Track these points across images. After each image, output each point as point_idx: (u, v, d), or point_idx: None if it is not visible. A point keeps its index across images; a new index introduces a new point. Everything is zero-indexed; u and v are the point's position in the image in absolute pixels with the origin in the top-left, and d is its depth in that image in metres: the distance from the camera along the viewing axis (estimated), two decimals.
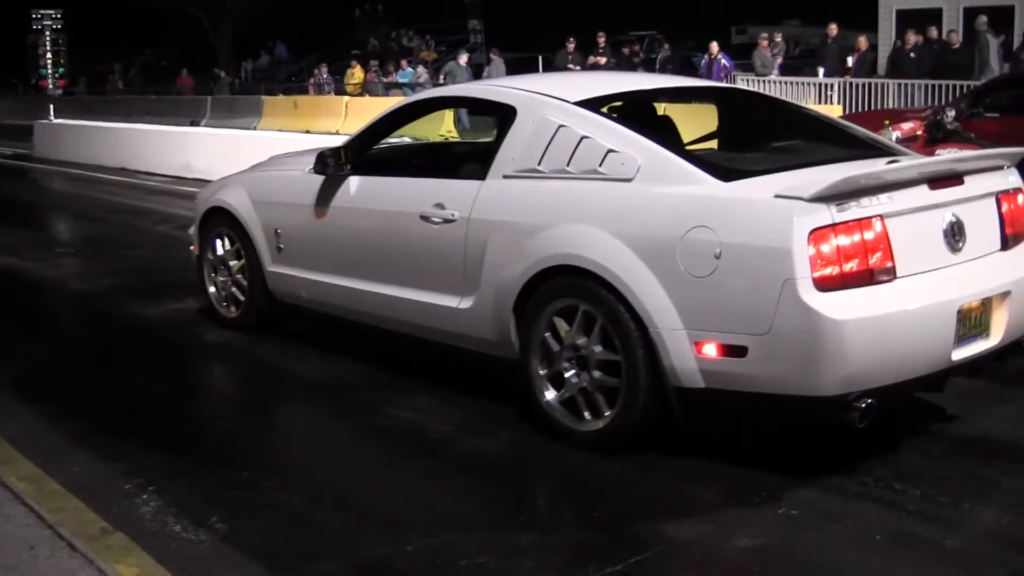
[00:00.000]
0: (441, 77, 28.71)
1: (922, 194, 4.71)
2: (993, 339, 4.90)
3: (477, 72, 29.61)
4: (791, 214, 4.36)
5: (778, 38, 24.32)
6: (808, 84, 21.60)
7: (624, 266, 4.77)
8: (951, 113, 9.33)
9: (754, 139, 5.86)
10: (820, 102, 19.96)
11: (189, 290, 8.01)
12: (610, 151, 5.04)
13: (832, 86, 20.75)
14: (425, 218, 5.69)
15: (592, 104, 5.39)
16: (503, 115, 5.66)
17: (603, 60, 26.10)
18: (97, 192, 17.03)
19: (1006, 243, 5.11)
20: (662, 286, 4.67)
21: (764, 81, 22.96)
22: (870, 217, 4.48)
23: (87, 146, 21.52)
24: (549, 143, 5.28)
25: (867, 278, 4.46)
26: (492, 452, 5.14)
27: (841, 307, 4.34)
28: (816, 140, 5.78)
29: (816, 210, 4.36)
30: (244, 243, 7.03)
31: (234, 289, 7.25)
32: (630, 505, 4.49)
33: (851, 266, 4.42)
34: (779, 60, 23.85)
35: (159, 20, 47.62)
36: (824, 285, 4.35)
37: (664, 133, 5.62)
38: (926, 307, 4.58)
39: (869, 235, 4.47)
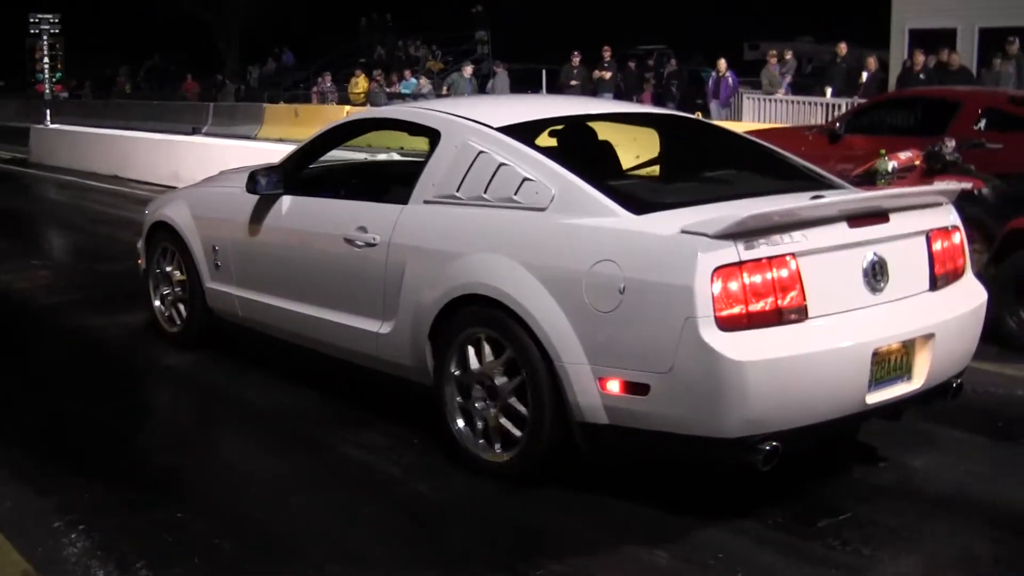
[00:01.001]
0: (444, 88, 28.77)
1: (841, 232, 4.65)
2: (916, 382, 4.85)
3: (483, 84, 29.69)
4: (695, 250, 4.32)
5: (787, 56, 24.26)
6: (816, 104, 21.51)
7: (532, 298, 4.75)
8: (951, 144, 9.23)
9: (686, 168, 5.86)
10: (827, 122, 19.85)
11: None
12: (526, 179, 5.03)
13: (840, 106, 20.63)
14: (349, 241, 5.70)
15: (515, 131, 5.37)
16: (429, 138, 5.65)
17: (608, 74, 26.16)
18: (85, 201, 17.08)
19: (935, 283, 5.04)
20: (568, 319, 4.65)
21: (771, 100, 22.92)
22: (781, 255, 4.43)
23: (81, 152, 21.64)
24: (468, 169, 5.28)
25: (775, 318, 4.41)
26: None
27: (744, 348, 4.29)
28: (752, 171, 5.74)
29: (721, 247, 4.32)
30: (185, 259, 7.07)
31: (178, 304, 7.30)
32: (533, 543, 4.50)
33: (758, 306, 4.37)
34: (788, 79, 23.73)
35: (168, 23, 47.93)
36: (728, 324, 4.31)
37: (589, 161, 5.59)
38: (838, 349, 4.52)
39: (779, 274, 4.42)
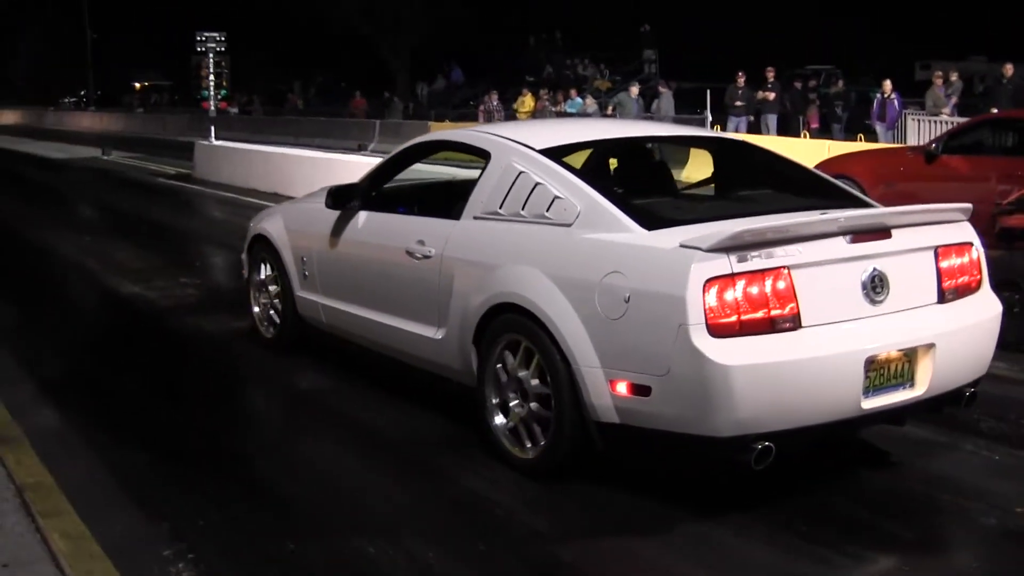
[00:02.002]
0: (609, 108, 29.38)
1: (839, 246, 5.12)
2: (918, 390, 5.28)
3: (649, 104, 30.18)
4: (689, 262, 4.85)
5: (953, 77, 24.09)
6: None
7: (555, 306, 5.37)
8: None
9: (721, 186, 6.36)
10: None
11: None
12: (556, 197, 5.66)
13: None
14: (410, 253, 6.43)
15: (554, 152, 6.02)
16: (483, 159, 6.34)
17: (771, 95, 26.28)
18: (242, 218, 17.76)
19: (943, 296, 5.46)
20: (584, 326, 5.25)
21: (935, 121, 22.80)
22: (775, 268, 4.92)
23: (242, 169, 22.43)
24: (510, 187, 5.95)
25: (767, 326, 4.91)
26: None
27: (733, 353, 4.80)
28: (782, 190, 6.24)
29: (715, 259, 4.84)
30: (279, 269, 7.94)
31: (272, 312, 8.18)
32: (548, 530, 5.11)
33: (751, 314, 4.87)
34: (953, 100, 23.62)
35: (340, 40, 49.89)
36: (720, 331, 4.83)
37: (634, 180, 6.20)
38: (829, 356, 4.98)
39: (772, 285, 4.91)
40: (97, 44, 70.50)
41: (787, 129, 26.16)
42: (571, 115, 28.88)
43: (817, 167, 13.93)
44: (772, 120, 26.46)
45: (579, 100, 30.90)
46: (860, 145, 20.06)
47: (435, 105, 38.94)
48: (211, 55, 34.00)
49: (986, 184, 11.98)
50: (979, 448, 6.11)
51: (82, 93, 79.11)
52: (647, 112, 28.75)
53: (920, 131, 23.58)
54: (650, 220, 5.34)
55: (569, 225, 5.54)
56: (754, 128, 26.43)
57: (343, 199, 7.13)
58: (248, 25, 51.03)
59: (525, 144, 6.14)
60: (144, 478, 5.66)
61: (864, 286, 5.17)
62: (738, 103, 26.26)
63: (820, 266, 5.06)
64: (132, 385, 7.53)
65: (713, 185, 6.93)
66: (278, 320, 8.12)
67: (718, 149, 7.18)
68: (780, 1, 46.78)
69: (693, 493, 5.47)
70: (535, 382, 5.55)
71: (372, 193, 7.19)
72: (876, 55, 34.73)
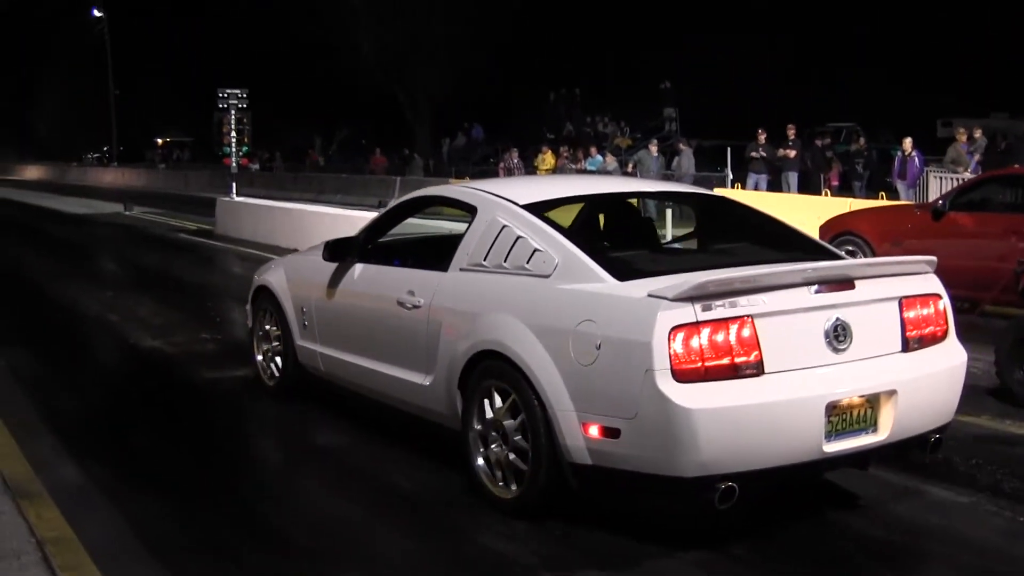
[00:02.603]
0: (630, 166, 29.82)
1: (802, 296, 5.47)
2: (881, 434, 5.61)
3: (670, 161, 30.60)
4: (656, 310, 5.22)
5: (977, 134, 24.34)
6: None
7: (532, 353, 5.74)
8: None
9: (700, 240, 6.76)
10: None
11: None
12: (536, 250, 6.07)
13: None
14: (400, 303, 6.84)
15: (535, 207, 6.44)
16: (469, 214, 6.76)
17: (792, 153, 26.59)
18: None
19: (907, 345, 5.81)
20: (559, 371, 5.61)
21: (957, 179, 23.01)
22: (739, 316, 5.28)
23: (263, 225, 22.70)
24: (494, 241, 6.36)
25: (731, 372, 5.26)
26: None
27: (696, 397, 5.15)
28: (759, 244, 6.62)
29: (680, 308, 5.20)
30: (280, 319, 8.37)
31: (274, 361, 8.63)
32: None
33: (715, 361, 5.23)
34: (976, 157, 23.80)
35: (360, 96, 50.74)
36: (684, 377, 5.18)
37: (618, 234, 6.60)
38: (790, 401, 5.32)
39: (736, 333, 5.27)
40: (120, 100, 71.88)
41: (808, 187, 26.49)
42: (590, 172, 29.33)
43: (825, 225, 14.31)
44: (793, 178, 26.74)
45: (599, 158, 31.32)
46: (880, 203, 20.29)
47: (456, 162, 39.57)
48: (233, 111, 34.62)
49: (994, 241, 12.19)
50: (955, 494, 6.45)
51: (105, 149, 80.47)
52: (668, 170, 29.15)
53: (942, 189, 23.73)
54: (622, 271, 5.72)
55: (547, 276, 5.93)
56: (775, 186, 26.77)
57: (340, 252, 7.57)
58: (269, 81, 52.03)
59: (509, 199, 6.56)
60: (163, 532, 5.85)
61: (827, 335, 5.52)
62: (757, 157, 26.51)
63: (783, 315, 5.41)
64: (152, 439, 7.75)
65: (696, 239, 7.32)
66: (279, 368, 8.54)
67: (699, 205, 7.59)
68: (800, 59, 47.47)
69: (669, 530, 5.82)
70: (513, 425, 5.91)
71: (367, 246, 7.63)
72: (897, 112, 35.12)
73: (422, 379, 6.67)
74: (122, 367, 10.52)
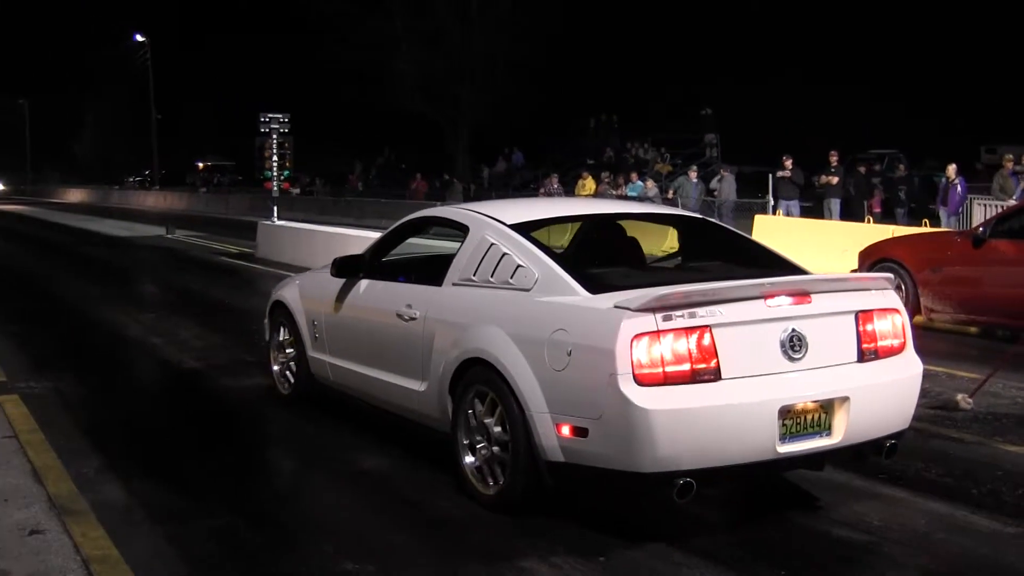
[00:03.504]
0: (670, 192, 30.46)
1: (759, 308, 6.10)
2: (835, 438, 6.22)
3: (711, 188, 31.17)
4: (619, 320, 5.86)
5: None
6: None
7: (512, 360, 6.42)
8: None
9: (681, 259, 7.42)
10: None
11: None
12: (519, 266, 6.76)
13: None
14: (399, 316, 7.55)
15: (521, 227, 7.14)
16: (462, 233, 7.47)
17: (835, 180, 27.08)
18: None
19: (862, 356, 6.43)
20: (535, 376, 6.28)
21: (1000, 207, 23.27)
22: (697, 326, 5.91)
23: (304, 248, 23.16)
24: (483, 258, 7.07)
25: (689, 377, 5.88)
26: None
27: (654, 399, 5.77)
28: (733, 262, 7.26)
29: (642, 317, 5.84)
30: (294, 332, 9.13)
31: (288, 371, 9.41)
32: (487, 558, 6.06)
33: (674, 366, 5.86)
34: (1022, 185, 24.07)
35: (401, 122, 51.85)
36: (645, 381, 5.81)
37: (602, 253, 7.32)
38: (744, 404, 5.93)
39: (695, 341, 5.91)
40: (162, 124, 73.55)
41: (850, 214, 26.97)
42: (631, 198, 29.96)
43: (864, 251, 14.58)
44: (836, 204, 27.22)
45: (640, 183, 31.98)
46: (920, 230, 20.55)
47: (496, 187, 40.38)
48: (274, 136, 35.58)
49: None
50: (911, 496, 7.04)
51: (146, 172, 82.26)
52: (708, 196, 29.73)
53: (986, 216, 23.96)
54: (595, 285, 6.39)
55: (528, 290, 6.62)
56: (815, 212, 27.21)
57: (347, 269, 8.33)
58: (310, 107, 53.32)
59: (497, 219, 7.27)
60: (205, 551, 6.12)
61: (783, 344, 6.14)
62: (783, 178, 27.00)
63: (740, 325, 6.04)
64: (195, 459, 8.07)
65: (678, 258, 8.00)
66: (293, 378, 9.31)
67: (682, 226, 8.26)
68: (842, 86, 48.07)
69: (637, 526, 6.47)
70: (497, 427, 6.58)
71: (372, 263, 8.38)
72: (940, 139, 35.57)
73: (418, 386, 7.37)
74: (164, 388, 10.98)
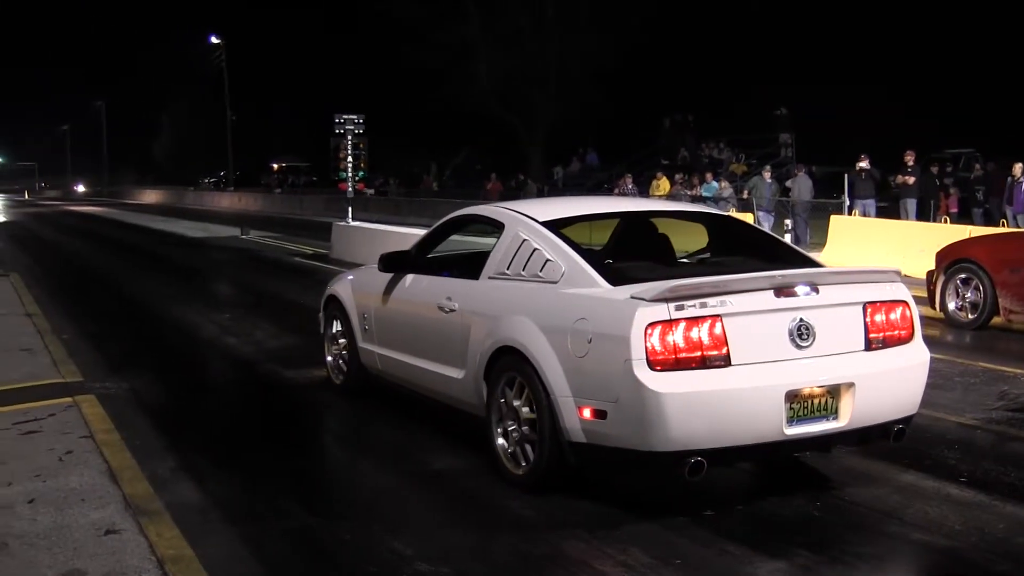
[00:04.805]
0: (745, 192, 30.86)
1: (768, 299, 6.67)
2: (842, 422, 6.78)
3: (786, 188, 31.50)
4: (634, 310, 6.46)
5: None
6: None
7: (539, 348, 7.05)
8: None
9: (707, 254, 8.04)
10: None
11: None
12: (548, 260, 7.40)
13: None
14: (440, 308, 8.24)
15: (552, 224, 7.78)
16: (498, 230, 8.13)
17: (911, 179, 27.33)
18: None
19: (869, 345, 6.98)
20: (560, 363, 6.91)
21: None
22: (709, 315, 6.50)
23: (378, 249, 22.15)
24: (515, 253, 7.72)
25: (700, 363, 6.46)
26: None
27: (667, 383, 6.35)
28: (755, 257, 7.84)
29: (656, 307, 6.43)
30: (345, 324, 9.86)
31: (341, 361, 10.15)
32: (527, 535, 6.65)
33: (686, 353, 6.45)
34: None
35: (476, 122, 52.71)
36: (658, 366, 6.40)
37: (634, 249, 8.01)
38: (752, 388, 6.50)
39: (707, 329, 6.49)
40: (236, 126, 75.12)
41: (925, 214, 27.21)
42: (705, 199, 30.44)
43: (941, 252, 14.80)
44: (912, 205, 27.47)
45: (714, 184, 32.38)
46: (998, 230, 20.69)
47: (570, 187, 40.98)
48: (349, 137, 36.38)
49: None
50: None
51: (221, 174, 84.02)
52: (782, 196, 30.08)
53: None
54: (616, 278, 7.01)
55: (555, 282, 7.26)
56: (891, 212, 27.45)
57: (393, 264, 9.04)
58: (385, 108, 54.36)
59: (530, 216, 7.92)
60: (280, 551, 6.29)
61: (791, 333, 6.70)
62: (863, 177, 27.27)
63: (750, 315, 6.61)
64: (269, 459, 8.27)
65: (706, 253, 8.60)
66: (345, 368, 10.06)
67: (709, 223, 8.85)
68: (918, 85, 48.04)
69: (652, 503, 7.06)
70: (525, 410, 7.22)
71: (418, 259, 9.09)
72: (1018, 136, 35.55)
73: (456, 373, 8.04)
74: (239, 389, 11.40)
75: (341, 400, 10.14)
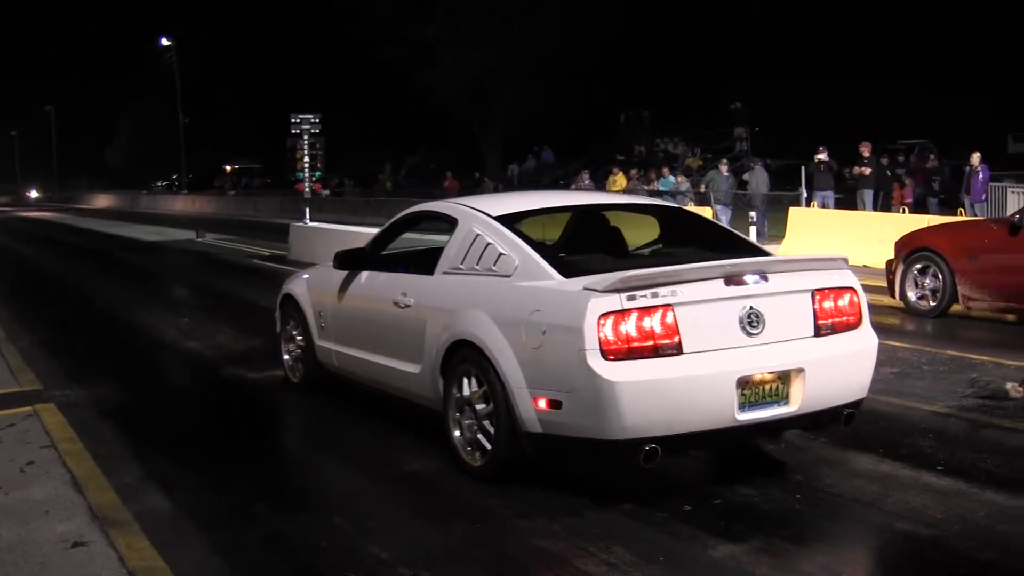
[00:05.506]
0: (702, 186, 31.15)
1: (717, 288, 6.83)
2: (793, 406, 6.95)
3: (742, 181, 31.80)
4: (587, 301, 6.59)
5: None
6: None
7: (495, 340, 7.18)
8: None
9: (657, 245, 8.20)
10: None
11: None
12: (501, 254, 7.54)
13: None
14: (396, 303, 8.36)
15: (506, 218, 7.92)
16: (452, 225, 8.26)
17: (867, 171, 27.56)
18: None
19: (818, 331, 7.15)
20: (515, 355, 7.04)
21: None
22: (660, 305, 6.64)
23: (336, 248, 22.66)
24: (469, 247, 7.86)
25: (652, 352, 6.61)
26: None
27: (620, 372, 6.50)
28: (706, 248, 8.01)
29: (608, 298, 6.57)
30: (302, 322, 9.99)
31: (298, 359, 10.30)
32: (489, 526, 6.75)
33: (638, 342, 6.59)
34: None
35: (432, 122, 52.87)
36: (611, 355, 6.53)
37: (587, 242, 8.15)
38: (703, 376, 6.65)
39: (657, 319, 6.63)
40: (189, 128, 74.86)
41: (883, 204, 27.52)
42: (663, 194, 30.69)
43: (900, 241, 15.03)
44: (868, 196, 27.67)
45: (671, 178, 32.67)
46: (956, 219, 20.89)
47: (526, 185, 41.18)
48: (306, 137, 36.23)
49: None
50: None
51: (174, 177, 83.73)
52: (739, 189, 30.36)
53: (1020, 204, 24.49)
54: (569, 270, 7.16)
55: (509, 276, 7.40)
56: (848, 204, 27.76)
57: (348, 262, 9.17)
58: (338, 108, 54.29)
59: (484, 212, 8.07)
60: (256, 560, 6.18)
61: (741, 320, 6.85)
62: (823, 169, 27.61)
63: (701, 304, 6.76)
64: (239, 466, 8.17)
65: (657, 245, 8.76)
66: (302, 367, 10.19)
67: (661, 216, 9.02)
68: (872, 77, 48.58)
69: (611, 492, 7.17)
70: (481, 404, 7.35)
71: (372, 256, 9.23)
72: (966, 128, 36.02)
73: (413, 368, 8.16)
74: (204, 393, 11.22)
75: (303, 399, 10.21)
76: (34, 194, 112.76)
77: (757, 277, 6.95)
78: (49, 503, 7.01)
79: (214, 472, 8.01)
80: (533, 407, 6.94)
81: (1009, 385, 9.43)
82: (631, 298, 6.60)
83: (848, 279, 7.38)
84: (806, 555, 6.03)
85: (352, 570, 5.95)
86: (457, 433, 7.63)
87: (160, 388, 11.43)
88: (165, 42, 76.54)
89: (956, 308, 14.01)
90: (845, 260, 7.43)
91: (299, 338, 10.24)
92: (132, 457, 8.28)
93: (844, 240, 21.24)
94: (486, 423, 7.34)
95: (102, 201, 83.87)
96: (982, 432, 8.48)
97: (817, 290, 7.20)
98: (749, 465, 7.74)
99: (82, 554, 6.08)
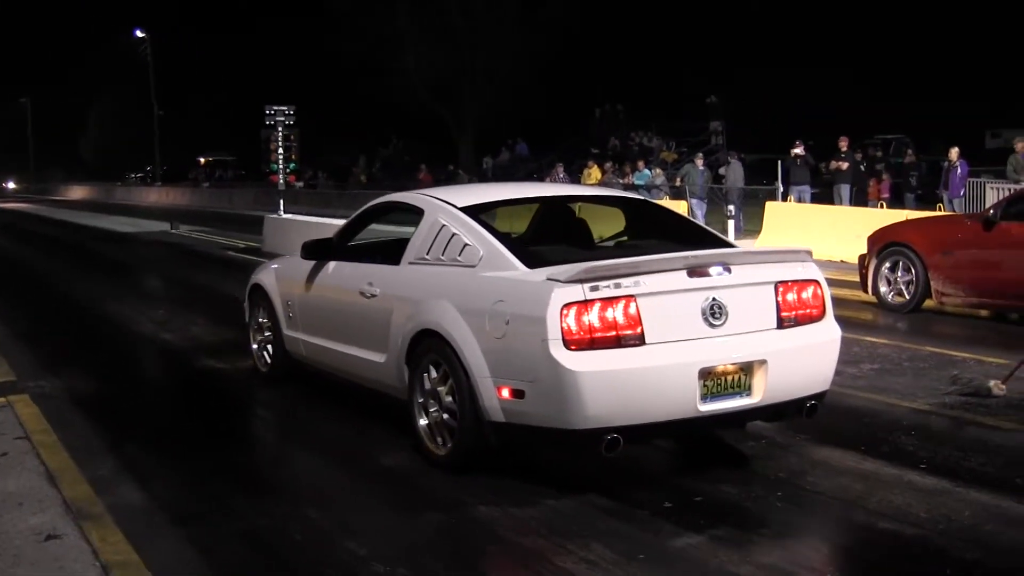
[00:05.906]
0: (677, 180, 31.23)
1: (680, 279, 6.89)
2: (755, 398, 7.02)
3: (718, 175, 31.95)
4: (550, 291, 6.65)
5: None
6: None
7: (459, 330, 7.23)
8: None
9: (622, 237, 8.27)
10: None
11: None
12: (466, 245, 7.60)
13: None
14: (362, 293, 8.42)
15: (470, 209, 7.97)
16: (418, 216, 8.32)
17: (845, 165, 27.69)
18: None
19: (781, 323, 7.22)
20: (479, 345, 7.09)
21: (1015, 189, 23.79)
22: (622, 296, 6.70)
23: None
24: (435, 238, 7.92)
25: (615, 342, 6.67)
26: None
27: (582, 362, 6.56)
28: (670, 239, 8.07)
29: (571, 288, 6.63)
30: (270, 312, 10.05)
31: (266, 349, 10.34)
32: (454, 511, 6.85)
33: (601, 332, 6.65)
34: None
35: (407, 114, 52.89)
36: (574, 346, 6.59)
37: (552, 233, 8.24)
38: (665, 366, 6.71)
39: (620, 309, 6.69)
40: (163, 120, 74.67)
41: (859, 199, 27.65)
42: (638, 187, 30.78)
43: (873, 236, 14.98)
44: (845, 190, 27.79)
45: (647, 172, 32.76)
46: (930, 214, 20.86)
47: (500, 177, 41.22)
48: (280, 128, 36.16)
49: None
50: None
51: (148, 169, 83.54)
52: (715, 183, 30.48)
53: (998, 199, 24.68)
54: (533, 261, 7.21)
55: (474, 266, 7.46)
56: (824, 199, 27.89)
57: (315, 252, 9.22)
58: (313, 100, 54.26)
59: (449, 202, 8.12)
60: (231, 554, 6.14)
61: (704, 312, 6.91)
62: (799, 164, 27.75)
63: (664, 295, 6.82)
64: (214, 458, 8.16)
65: (623, 236, 8.83)
66: (270, 357, 10.25)
67: (626, 208, 9.10)
68: (848, 73, 48.79)
69: (575, 483, 7.26)
70: (446, 394, 7.41)
71: (340, 246, 9.28)
72: (943, 123, 36.26)
73: (379, 357, 8.22)
74: (179, 385, 11.26)
75: (272, 390, 10.25)
76: (11, 185, 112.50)
77: (720, 269, 7.01)
78: (23, 495, 7.00)
79: (188, 465, 7.98)
80: (496, 396, 7.00)
81: (992, 382, 9.38)
82: (594, 289, 6.66)
83: (811, 272, 7.45)
84: (787, 554, 6.02)
85: (330, 567, 5.92)
86: (423, 422, 7.68)
87: (134, 380, 11.45)
88: (139, 34, 76.32)
89: (929, 303, 14.08)
90: (809, 253, 7.50)
91: (268, 328, 10.29)
92: (106, 449, 8.27)
93: (821, 235, 21.31)
94: (450, 412, 7.39)
95: (77, 193, 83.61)
96: (965, 430, 8.46)
97: (780, 282, 7.26)
98: (731, 462, 7.75)
99: (56, 547, 6.07)
